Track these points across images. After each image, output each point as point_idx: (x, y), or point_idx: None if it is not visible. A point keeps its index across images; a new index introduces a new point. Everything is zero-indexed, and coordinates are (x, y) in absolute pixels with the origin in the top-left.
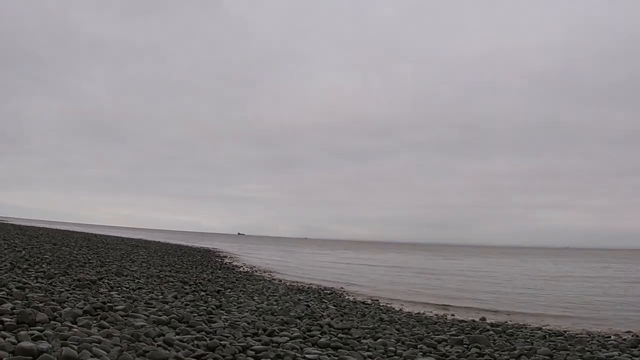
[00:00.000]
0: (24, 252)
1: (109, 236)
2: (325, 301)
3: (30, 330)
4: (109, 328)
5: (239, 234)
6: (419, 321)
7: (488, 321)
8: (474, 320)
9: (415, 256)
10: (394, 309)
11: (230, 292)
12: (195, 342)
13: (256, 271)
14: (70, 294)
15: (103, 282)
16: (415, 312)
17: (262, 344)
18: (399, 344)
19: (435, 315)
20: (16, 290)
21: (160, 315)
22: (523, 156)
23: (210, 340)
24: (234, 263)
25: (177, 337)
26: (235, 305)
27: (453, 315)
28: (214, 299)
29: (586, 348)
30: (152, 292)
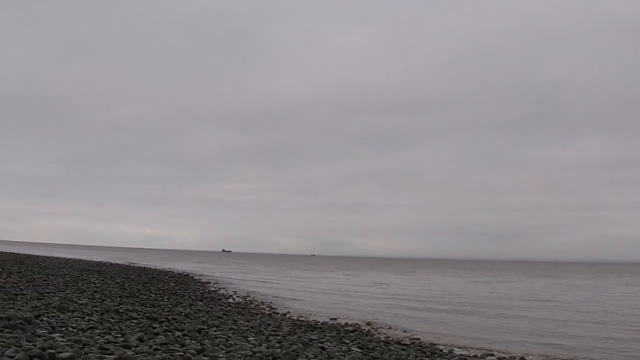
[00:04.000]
0: None
1: (47, 257)
2: (347, 341)
3: None
4: None
5: (223, 250)
6: None
7: None
8: None
9: (465, 278)
10: (441, 350)
11: (216, 330)
12: None
13: (251, 301)
14: None
15: (41, 320)
16: (472, 354)
17: None
18: None
19: (498, 358)
20: None
21: None
22: (616, 139)
23: None
24: (221, 291)
25: None
26: (223, 349)
27: (523, 358)
28: (193, 341)
29: None
30: (109, 333)
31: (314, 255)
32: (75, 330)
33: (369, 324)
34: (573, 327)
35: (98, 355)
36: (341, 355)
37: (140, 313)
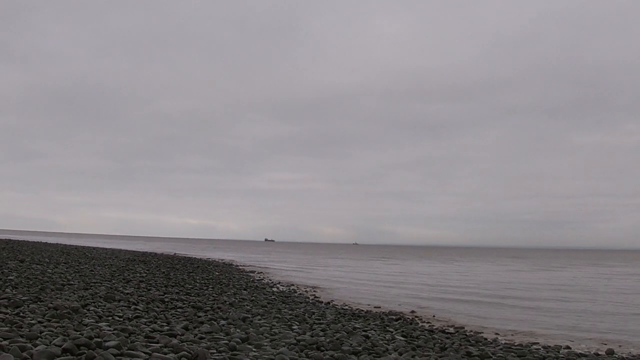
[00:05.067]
0: None
1: (93, 248)
2: (391, 330)
3: None
4: None
5: (266, 240)
6: (521, 356)
7: (618, 355)
8: (597, 354)
9: (509, 267)
10: (485, 339)
11: (260, 319)
12: None
13: (295, 290)
14: (45, 326)
15: (88, 309)
16: (516, 343)
17: None
18: None
19: (543, 347)
20: None
21: (166, 353)
22: None
23: None
24: (265, 280)
25: None
26: (267, 337)
27: (568, 347)
28: (238, 330)
29: None
30: (155, 322)
31: (356, 244)
32: (121, 319)
33: (413, 312)
34: (614, 318)
35: (144, 343)
36: (385, 343)
37: (185, 302)
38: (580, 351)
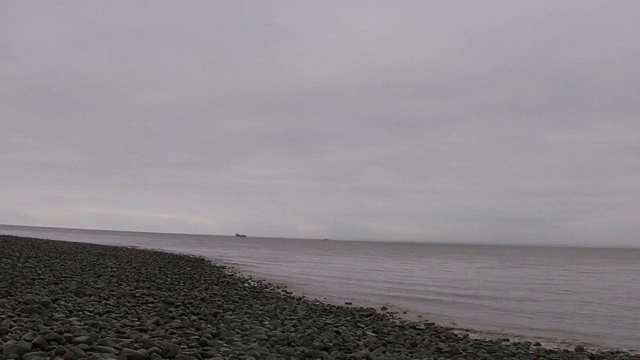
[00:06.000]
0: None
1: (65, 242)
2: (362, 326)
3: None
4: None
5: (238, 235)
6: (492, 352)
7: (587, 351)
8: (567, 351)
9: (481, 264)
10: (456, 336)
11: (231, 315)
12: None
13: (266, 286)
14: (15, 321)
15: (59, 304)
16: (487, 339)
17: None
18: None
19: (513, 343)
20: None
21: (136, 349)
22: (637, 123)
23: None
24: (236, 275)
25: None
26: (238, 332)
27: (538, 344)
28: (209, 325)
29: None
30: (126, 317)
31: (326, 239)
32: (92, 314)
33: (384, 308)
34: (583, 316)
35: (115, 338)
36: (356, 339)
37: (156, 297)
38: (550, 348)
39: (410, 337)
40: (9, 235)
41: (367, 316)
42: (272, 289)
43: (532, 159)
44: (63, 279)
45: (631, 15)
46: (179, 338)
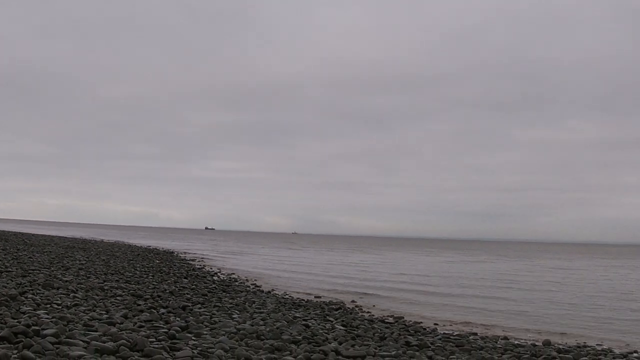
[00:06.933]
0: None
1: (33, 235)
2: (331, 319)
3: None
4: None
5: (206, 228)
6: (460, 346)
7: (554, 346)
8: (534, 345)
9: (453, 258)
10: (424, 329)
11: (200, 308)
12: None
13: (235, 279)
14: None
15: (26, 297)
16: (455, 333)
17: None
18: None
19: (481, 337)
20: None
21: (104, 342)
22: (609, 120)
23: None
24: (205, 268)
25: None
26: (207, 326)
27: (505, 338)
28: (178, 319)
29: None
30: (94, 310)
31: (295, 233)
32: (59, 307)
33: (353, 302)
34: (550, 310)
35: (82, 332)
36: (325, 332)
37: (125, 290)
38: (517, 342)
39: (379, 330)
40: None
41: (336, 310)
42: (241, 283)
43: (502, 154)
44: (31, 271)
45: (601, 12)
46: (148, 331)
